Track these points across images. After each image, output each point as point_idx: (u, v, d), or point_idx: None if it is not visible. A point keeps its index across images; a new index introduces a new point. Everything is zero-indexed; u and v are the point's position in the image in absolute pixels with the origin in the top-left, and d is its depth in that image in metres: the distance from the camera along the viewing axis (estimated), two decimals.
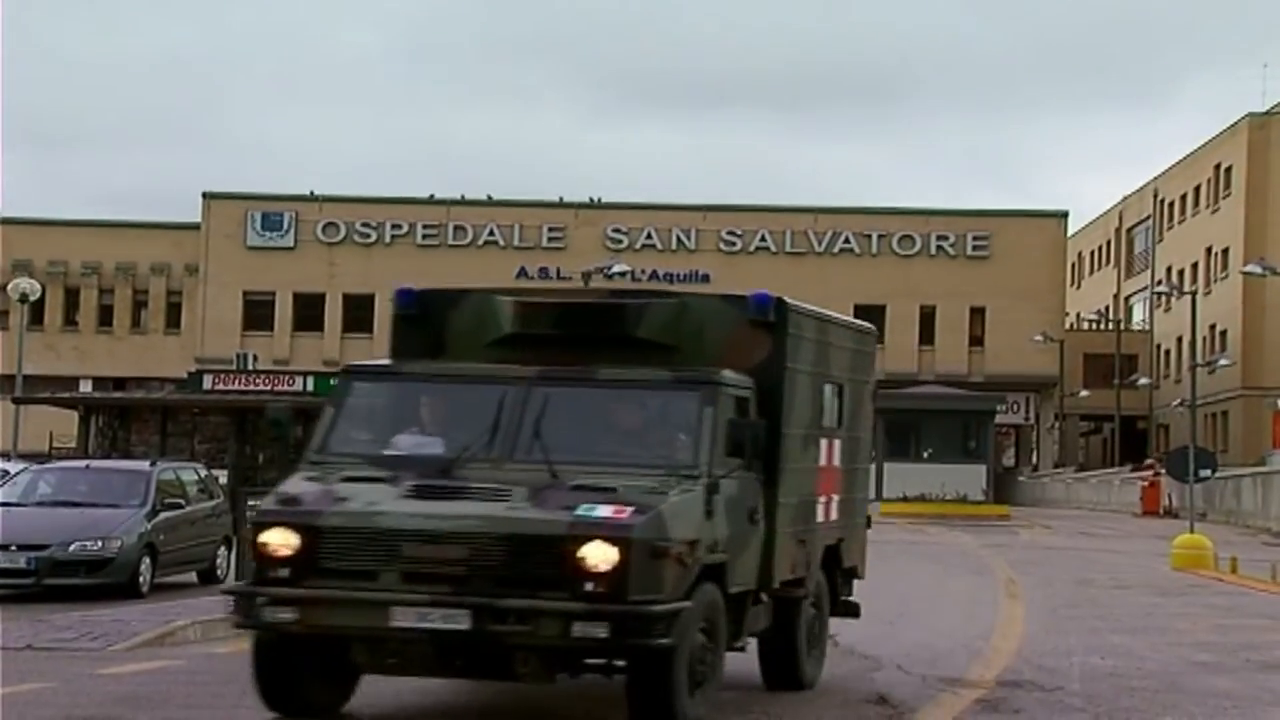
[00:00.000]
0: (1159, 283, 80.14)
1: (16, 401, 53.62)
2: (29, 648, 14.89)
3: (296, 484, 10.71)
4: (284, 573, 10.22)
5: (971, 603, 21.73)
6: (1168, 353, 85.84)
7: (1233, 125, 79.70)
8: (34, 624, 16.58)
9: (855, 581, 14.16)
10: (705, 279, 76.49)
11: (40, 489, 22.75)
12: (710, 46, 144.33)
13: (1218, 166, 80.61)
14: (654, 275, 76.99)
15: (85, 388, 76.43)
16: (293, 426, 11.93)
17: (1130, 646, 16.66)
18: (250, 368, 65.67)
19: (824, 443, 12.72)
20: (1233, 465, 58.51)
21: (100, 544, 20.69)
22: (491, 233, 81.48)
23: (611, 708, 10.84)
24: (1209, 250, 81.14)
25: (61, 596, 19.70)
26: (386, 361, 12.06)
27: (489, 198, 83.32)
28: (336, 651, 10.58)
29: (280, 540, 10.22)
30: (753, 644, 12.41)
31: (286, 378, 57.15)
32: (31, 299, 53.54)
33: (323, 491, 10.49)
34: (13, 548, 20.37)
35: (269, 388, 54.53)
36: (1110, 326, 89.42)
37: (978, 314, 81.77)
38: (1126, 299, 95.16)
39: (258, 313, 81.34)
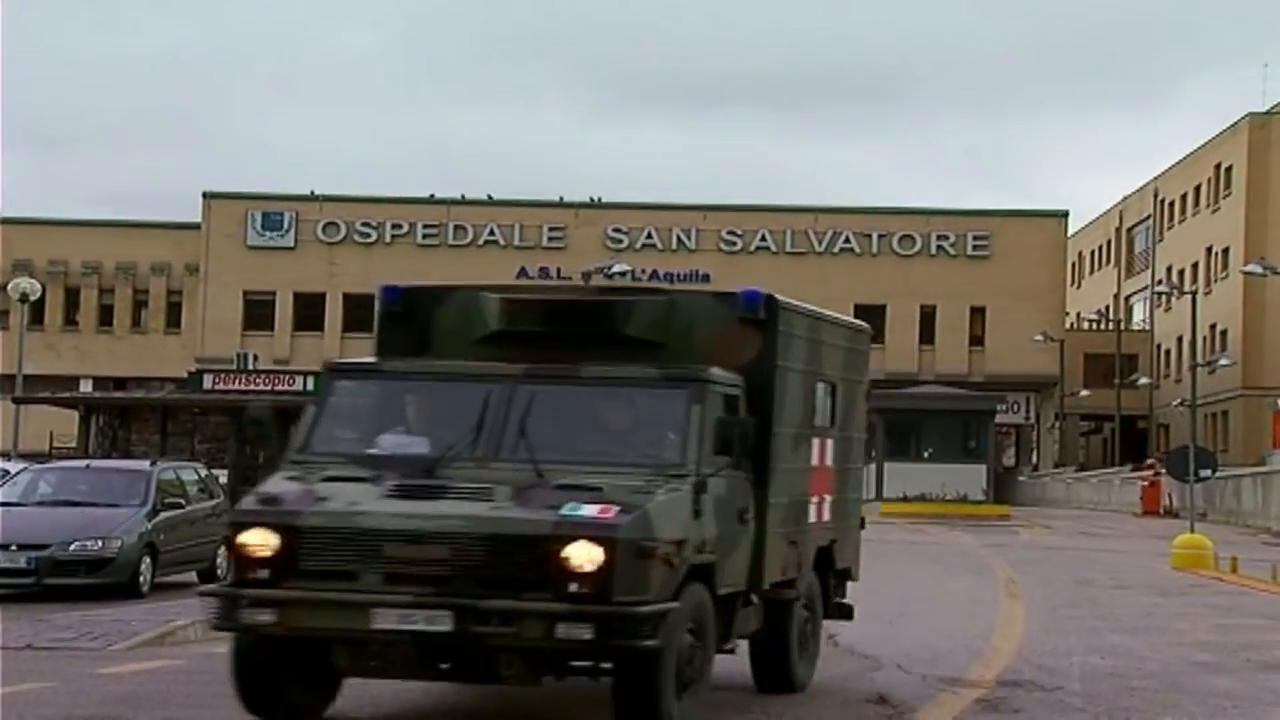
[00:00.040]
0: (1159, 282, 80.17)
1: (17, 401, 53.64)
2: (29, 647, 14.89)
3: (277, 483, 10.53)
4: (263, 574, 10.04)
5: (971, 602, 21.73)
6: (1168, 352, 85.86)
7: (1233, 125, 79.72)
8: (34, 624, 16.58)
9: (857, 580, 14.06)
10: (705, 279, 76.49)
11: (40, 489, 22.76)
12: (710, 46, 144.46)
13: (1218, 166, 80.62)
14: (654, 275, 77.01)
15: (85, 387, 76.46)
16: (274, 425, 11.76)
17: (1130, 646, 16.66)
18: (250, 367, 65.68)
19: (816, 442, 12.56)
20: (1233, 465, 58.52)
21: (100, 544, 20.69)
22: (492, 232, 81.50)
23: (599, 710, 10.71)
24: (1209, 250, 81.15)
25: (61, 596, 19.71)
26: (369, 359, 11.91)
27: (489, 197, 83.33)
28: (317, 654, 10.41)
29: (259, 541, 10.05)
30: (744, 646, 12.26)
31: (287, 377, 57.18)
32: (32, 299, 53.59)
33: (303, 491, 10.31)
34: (13, 547, 20.38)
35: (269, 387, 54.57)
36: (1110, 326, 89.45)
37: (978, 314, 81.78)
38: (1127, 299, 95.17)
39: (258, 312, 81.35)
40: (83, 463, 28.95)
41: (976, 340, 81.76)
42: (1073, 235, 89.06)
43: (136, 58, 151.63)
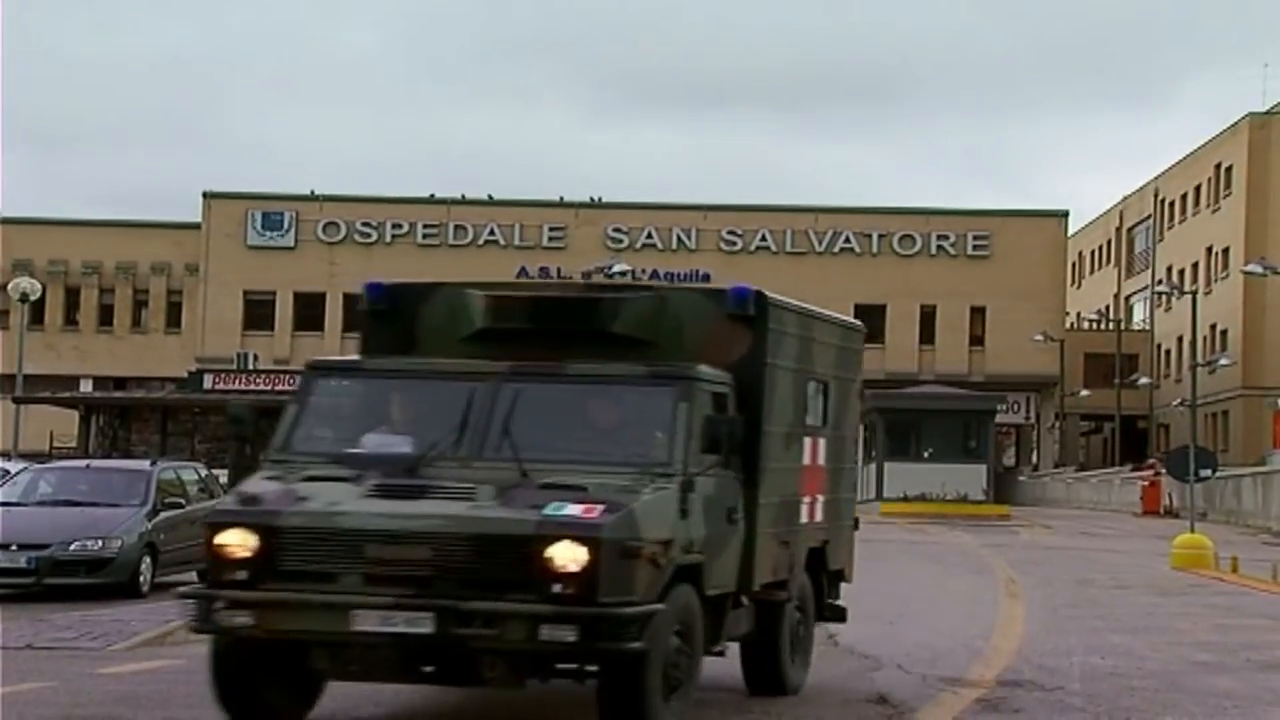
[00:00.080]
0: (1159, 282, 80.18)
1: (17, 401, 53.67)
2: (29, 647, 14.89)
3: (256, 483, 10.35)
4: (241, 575, 9.85)
5: (972, 602, 21.72)
6: (1168, 352, 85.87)
7: (1233, 125, 79.73)
8: (34, 623, 16.59)
9: (851, 581, 13.89)
10: (705, 279, 76.46)
11: (41, 488, 22.76)
12: (710, 46, 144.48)
13: (1218, 166, 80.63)
14: (654, 275, 76.91)
15: (85, 387, 76.49)
16: (254, 424, 11.64)
17: (1130, 646, 16.65)
18: (251, 367, 65.76)
19: (808, 441, 12.38)
20: (1233, 465, 58.51)
21: (100, 544, 20.69)
22: (492, 232, 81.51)
23: (585, 713, 10.56)
24: (1209, 250, 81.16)
25: (62, 596, 19.71)
26: (351, 357, 11.78)
27: (489, 197, 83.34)
28: (297, 657, 10.23)
29: (237, 541, 9.87)
30: (735, 648, 12.16)
31: (287, 377, 57.15)
32: (32, 298, 53.62)
33: (283, 491, 10.13)
34: (13, 547, 20.37)
35: (269, 387, 54.59)
36: (1110, 326, 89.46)
37: (978, 314, 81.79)
38: (1127, 298, 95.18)
39: (258, 312, 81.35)
40: (83, 463, 28.96)
41: (976, 340, 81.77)
42: (1073, 235, 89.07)
43: (136, 58, 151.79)
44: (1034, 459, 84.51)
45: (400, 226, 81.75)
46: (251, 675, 10.30)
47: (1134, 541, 39.40)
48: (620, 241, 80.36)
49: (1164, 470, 48.80)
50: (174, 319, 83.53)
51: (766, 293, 11.56)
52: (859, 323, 14.08)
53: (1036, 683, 13.76)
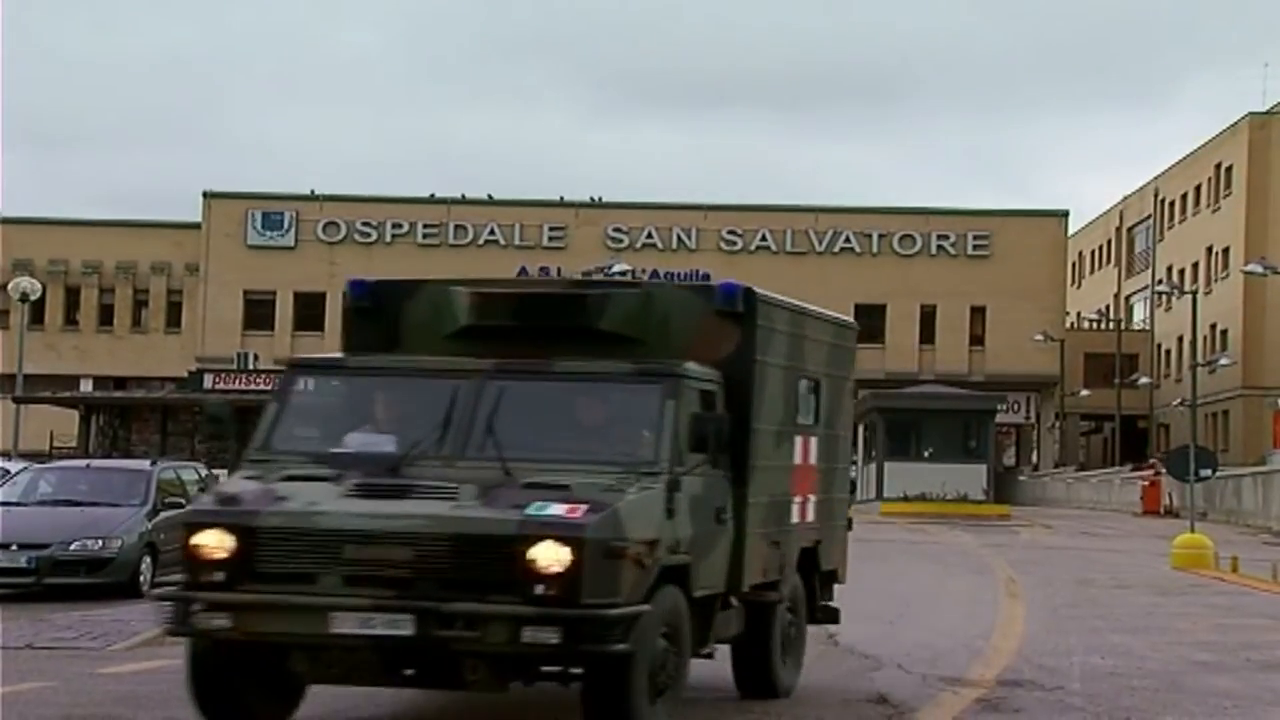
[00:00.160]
0: (1159, 282, 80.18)
1: (17, 401, 53.68)
2: (29, 647, 14.89)
3: (235, 483, 10.22)
4: (219, 576, 9.66)
5: (972, 602, 21.71)
6: (1168, 352, 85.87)
7: (1233, 125, 79.74)
8: (34, 623, 16.59)
9: (844, 582, 13.72)
10: (705, 279, 76.41)
11: (41, 488, 22.75)
12: (710, 46, 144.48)
13: (1218, 166, 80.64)
14: (654, 275, 76.83)
15: (86, 387, 76.49)
16: (233, 423, 11.50)
17: (1131, 646, 16.65)
18: (251, 367, 65.77)
19: (799, 440, 12.20)
20: (1233, 465, 58.50)
21: (101, 543, 20.68)
22: (492, 232, 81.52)
23: (573, 716, 10.37)
24: (1209, 250, 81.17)
25: (62, 596, 19.70)
26: (332, 355, 11.63)
27: (489, 197, 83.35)
28: (277, 660, 10.06)
29: (214, 542, 9.68)
30: (725, 650, 11.98)
31: None
32: (32, 298, 53.63)
33: (261, 491, 9.94)
34: (13, 547, 20.37)
35: (270, 387, 54.55)
36: (1111, 326, 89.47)
37: (978, 313, 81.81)
38: (1127, 298, 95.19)
39: (258, 312, 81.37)
40: (83, 462, 28.96)
41: (977, 340, 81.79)
42: (1073, 235, 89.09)
43: (136, 58, 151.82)
44: (1034, 459, 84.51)
45: (400, 226, 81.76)
46: (230, 678, 10.13)
47: (1134, 541, 39.39)
48: (620, 241, 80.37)
49: (1164, 470, 48.79)
50: (174, 319, 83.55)
51: (755, 289, 11.40)
52: (852, 320, 13.92)
53: (1036, 683, 13.76)
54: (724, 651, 11.87)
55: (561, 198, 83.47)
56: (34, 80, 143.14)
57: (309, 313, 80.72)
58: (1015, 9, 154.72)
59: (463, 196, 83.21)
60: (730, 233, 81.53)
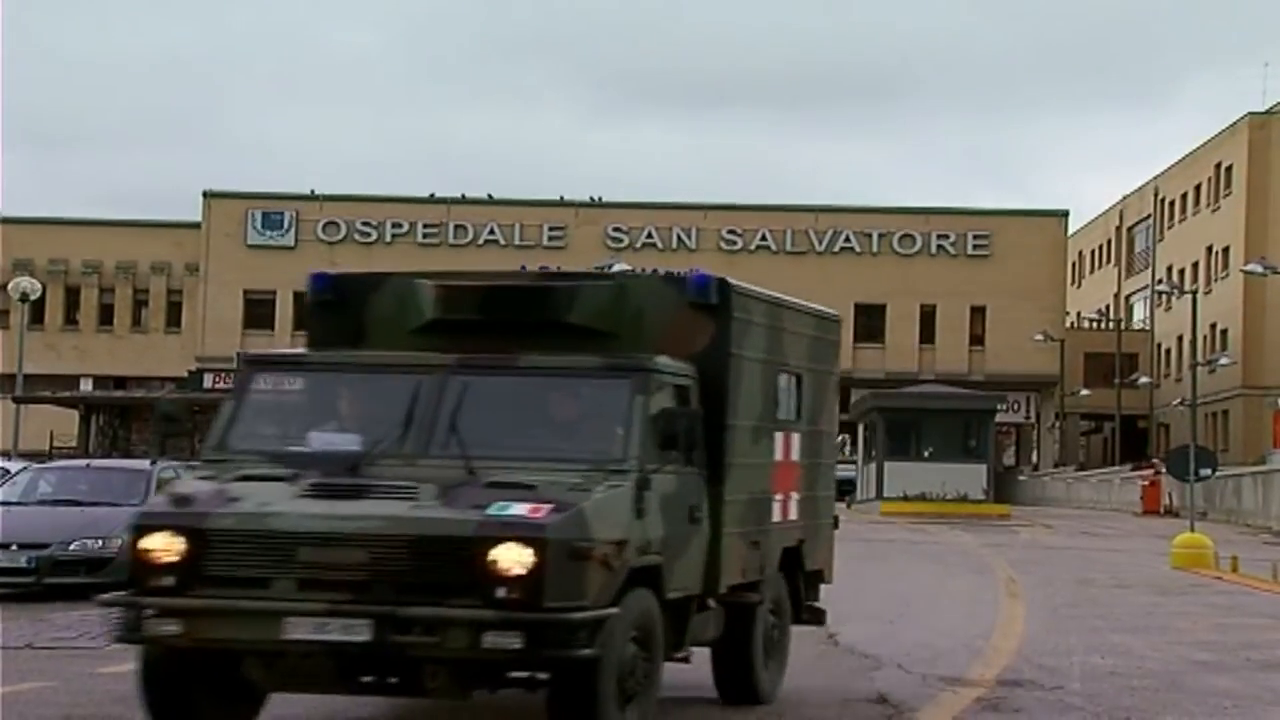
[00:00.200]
0: (1159, 282, 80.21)
1: (17, 400, 53.71)
2: (29, 647, 14.89)
3: (188, 484, 9.91)
4: (168, 581, 9.30)
5: (972, 602, 21.70)
6: (1168, 352, 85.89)
7: (1233, 124, 79.76)
8: (34, 623, 16.59)
9: (830, 582, 13.36)
10: None
11: (41, 488, 22.73)
12: (710, 46, 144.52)
13: (1218, 165, 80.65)
14: None
15: (86, 387, 76.53)
16: (187, 421, 11.10)
17: (1131, 646, 16.64)
18: None
19: (780, 436, 11.82)
20: (1233, 464, 58.49)
21: (101, 543, 20.66)
22: (492, 232, 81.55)
23: None
24: (1209, 249, 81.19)
25: (62, 595, 19.68)
26: (290, 350, 11.30)
27: (489, 197, 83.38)
28: (231, 667, 9.71)
29: (163, 545, 9.32)
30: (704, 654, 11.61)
31: None
32: (32, 298, 53.67)
33: (214, 491, 9.59)
34: (13, 546, 20.35)
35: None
36: (1111, 325, 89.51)
37: (978, 313, 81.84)
38: (1127, 298, 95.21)
39: (258, 312, 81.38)
40: (83, 462, 28.92)
41: (976, 340, 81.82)
42: (1073, 235, 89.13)
43: (136, 58, 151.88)
44: (1034, 458, 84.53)
45: (400, 226, 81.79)
46: (184, 687, 9.78)
47: (1134, 541, 39.38)
48: (620, 241, 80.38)
49: (1164, 470, 48.79)
50: (174, 319, 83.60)
51: (730, 280, 11.07)
52: (835, 312, 13.46)
53: (1036, 682, 13.75)
54: (688, 655, 11.22)
55: (561, 198, 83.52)
56: (34, 80, 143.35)
57: None
58: (1015, 9, 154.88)
59: (463, 196, 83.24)
60: (730, 233, 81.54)
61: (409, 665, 9.33)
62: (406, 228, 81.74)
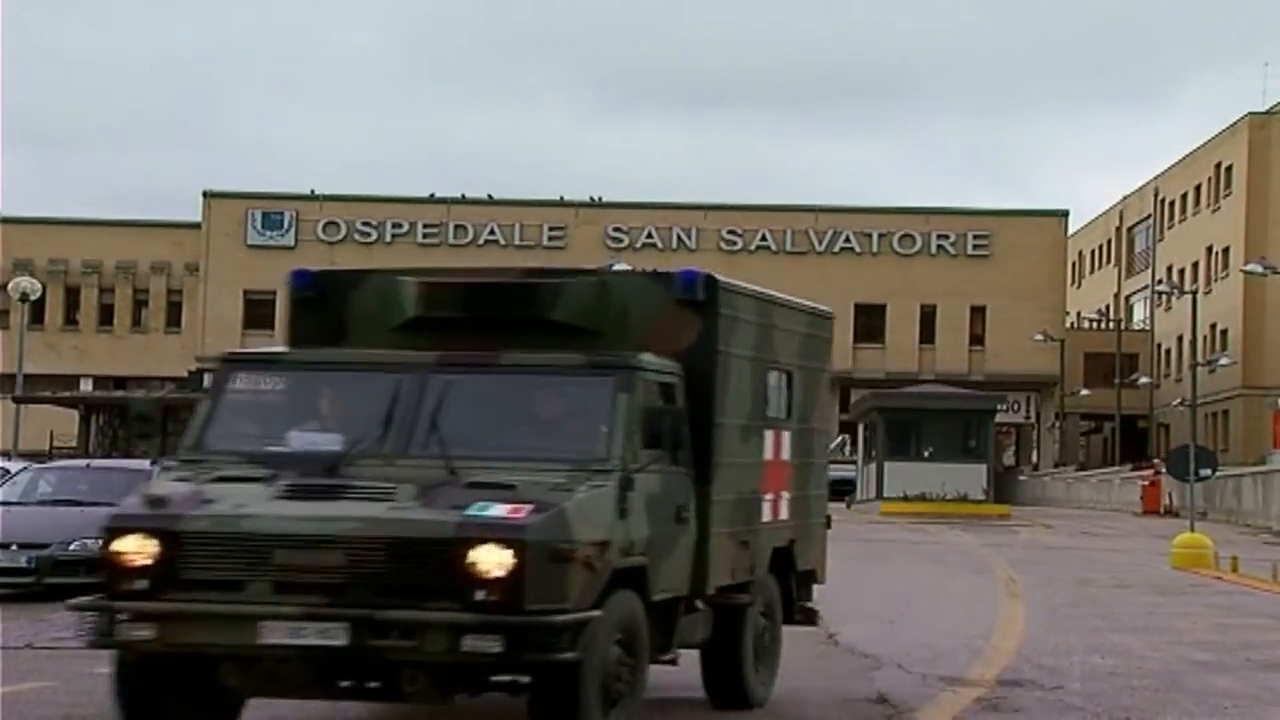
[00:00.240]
0: (1159, 282, 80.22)
1: (17, 400, 53.69)
2: (29, 647, 14.89)
3: (162, 485, 9.71)
4: (141, 584, 9.16)
5: (972, 602, 21.70)
6: (1168, 352, 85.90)
7: (1233, 124, 79.76)
8: (34, 623, 16.59)
9: (823, 582, 13.18)
10: None
11: (41, 488, 22.73)
12: (710, 46, 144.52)
13: (1218, 166, 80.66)
14: None
15: (86, 387, 76.50)
16: (160, 422, 11.10)
17: (1131, 646, 16.64)
18: None
19: (769, 435, 11.65)
20: (1233, 464, 58.50)
21: (101, 543, 20.65)
22: (492, 232, 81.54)
23: None
24: (1209, 249, 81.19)
25: (62, 595, 19.57)
26: (268, 349, 11.21)
27: (489, 197, 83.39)
28: (207, 672, 9.50)
29: (136, 548, 9.18)
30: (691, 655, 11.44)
31: None
32: (32, 298, 53.67)
33: (189, 493, 9.41)
34: (13, 547, 20.35)
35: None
36: (1111, 326, 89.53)
37: (978, 313, 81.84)
38: (1127, 298, 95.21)
39: (258, 312, 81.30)
40: (83, 462, 28.92)
41: (976, 340, 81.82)
42: (1073, 235, 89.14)
43: (136, 58, 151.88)
44: (1034, 458, 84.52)
45: (400, 226, 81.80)
46: (160, 693, 9.60)
47: (1134, 541, 39.38)
48: (620, 241, 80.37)
49: (1164, 470, 48.78)
50: (174, 319, 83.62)
51: (717, 276, 10.89)
52: (827, 308, 13.26)
53: (1036, 682, 13.75)
54: (675, 658, 11.03)
55: (561, 198, 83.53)
56: (34, 80, 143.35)
57: None
58: (1015, 9, 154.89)
59: (463, 196, 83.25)
60: (730, 233, 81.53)
61: (387, 669, 9.17)
62: (406, 228, 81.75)
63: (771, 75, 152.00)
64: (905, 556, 31.02)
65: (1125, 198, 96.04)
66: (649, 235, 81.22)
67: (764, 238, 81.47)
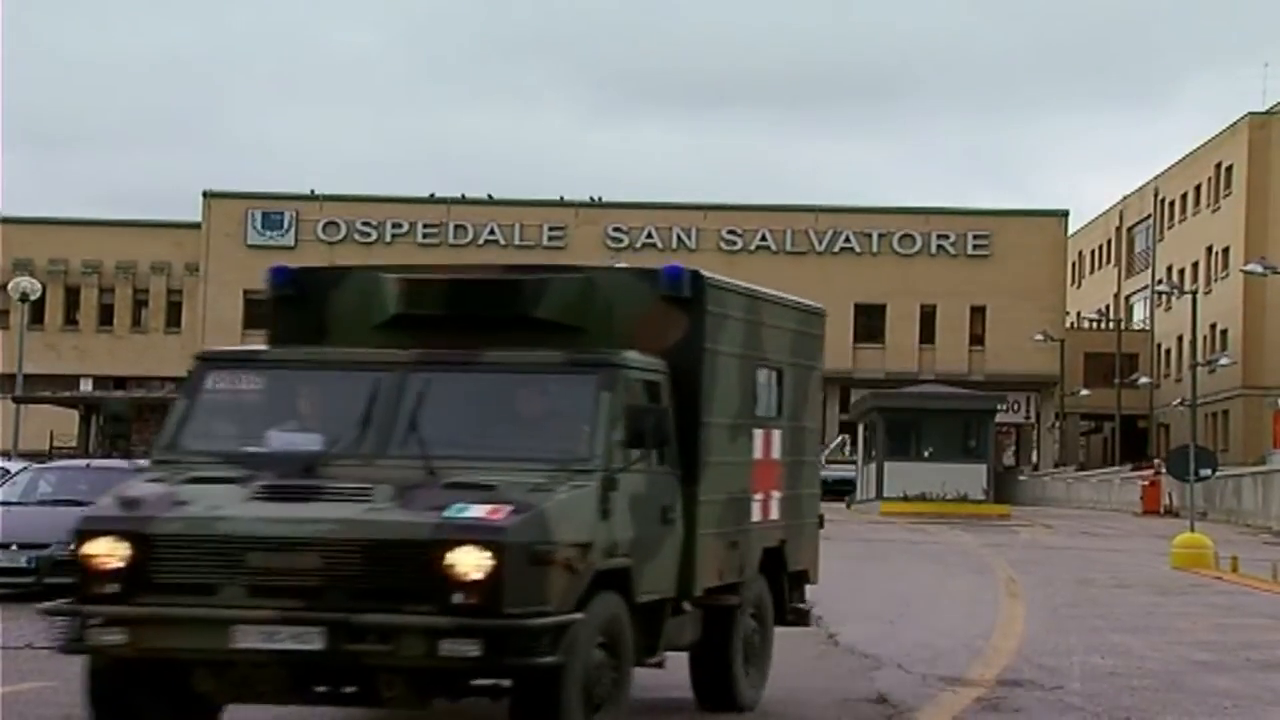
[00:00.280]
0: (1159, 282, 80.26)
1: (17, 400, 53.70)
2: (29, 647, 14.88)
3: (136, 486, 9.47)
4: (113, 588, 8.97)
5: (972, 602, 21.70)
6: (1168, 352, 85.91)
7: (1233, 124, 79.78)
8: (34, 623, 16.53)
9: (816, 583, 13.03)
10: None
11: (41, 488, 22.73)
12: (710, 46, 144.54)
13: (1218, 165, 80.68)
14: None
15: (86, 387, 76.52)
16: (132, 422, 10.79)
17: (1131, 646, 16.64)
18: None
19: (759, 434, 11.46)
20: (1233, 464, 58.52)
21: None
22: (492, 232, 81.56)
23: None
24: (1209, 249, 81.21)
25: (62, 595, 19.62)
26: (245, 347, 10.93)
27: (489, 197, 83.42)
28: (181, 678, 9.31)
29: (108, 551, 8.98)
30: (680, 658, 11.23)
31: None
32: (32, 298, 53.67)
33: (162, 494, 9.22)
34: (13, 547, 20.35)
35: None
36: (1111, 326, 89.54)
37: (978, 313, 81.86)
38: (1127, 298, 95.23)
39: (258, 312, 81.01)
40: (83, 462, 28.91)
41: (976, 340, 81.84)
42: (1073, 235, 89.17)
43: (136, 58, 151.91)
44: (1034, 458, 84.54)
45: (400, 226, 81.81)
46: (134, 699, 9.42)
47: (1134, 541, 39.38)
48: (620, 241, 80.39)
49: (1164, 470, 48.80)
50: (174, 319, 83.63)
51: (704, 272, 10.69)
52: (818, 306, 13.05)
53: (1036, 682, 13.75)
54: (662, 661, 10.76)
55: (561, 198, 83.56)
56: (34, 80, 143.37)
57: None
58: (1015, 9, 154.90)
59: (463, 196, 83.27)
60: (730, 233, 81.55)
61: (364, 674, 9.01)
62: (406, 228, 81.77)
63: (771, 75, 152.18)
64: (905, 556, 31.02)
65: (1125, 198, 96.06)
66: (649, 235, 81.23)
67: (764, 238, 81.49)
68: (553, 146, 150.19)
